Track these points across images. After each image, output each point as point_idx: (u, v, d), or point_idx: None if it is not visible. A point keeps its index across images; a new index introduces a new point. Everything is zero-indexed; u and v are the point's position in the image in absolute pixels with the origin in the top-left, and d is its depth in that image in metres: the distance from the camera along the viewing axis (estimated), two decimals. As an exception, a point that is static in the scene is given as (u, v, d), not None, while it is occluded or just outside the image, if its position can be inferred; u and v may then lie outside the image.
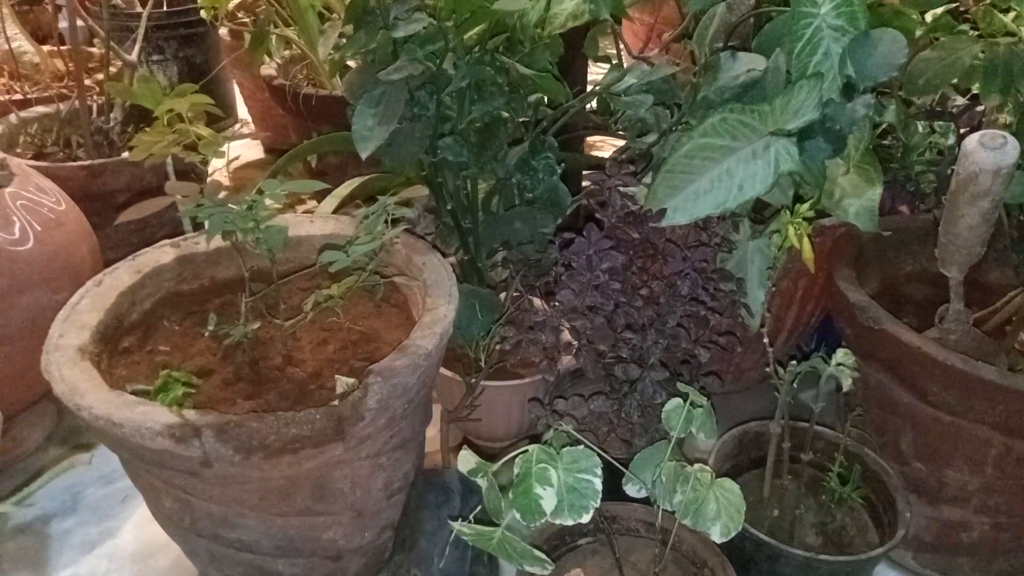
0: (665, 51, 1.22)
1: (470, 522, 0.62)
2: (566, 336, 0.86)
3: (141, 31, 1.42)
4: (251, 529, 0.76)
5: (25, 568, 0.93)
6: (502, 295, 0.99)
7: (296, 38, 1.61)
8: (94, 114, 1.39)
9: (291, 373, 0.80)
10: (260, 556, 0.78)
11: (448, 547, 0.80)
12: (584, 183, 1.34)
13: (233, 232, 0.79)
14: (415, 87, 0.84)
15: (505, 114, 0.89)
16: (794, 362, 0.75)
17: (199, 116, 1.03)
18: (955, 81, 0.85)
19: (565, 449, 0.61)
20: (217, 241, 0.85)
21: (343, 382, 0.74)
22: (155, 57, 1.81)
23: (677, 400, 0.68)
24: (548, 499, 0.60)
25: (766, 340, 0.76)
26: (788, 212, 0.73)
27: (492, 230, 0.96)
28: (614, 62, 1.01)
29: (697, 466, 0.67)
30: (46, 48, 1.64)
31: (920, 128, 0.98)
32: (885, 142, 0.99)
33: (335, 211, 1.16)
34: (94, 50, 1.65)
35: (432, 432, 0.93)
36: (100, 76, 1.47)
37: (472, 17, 0.79)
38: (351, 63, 1.14)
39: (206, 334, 0.85)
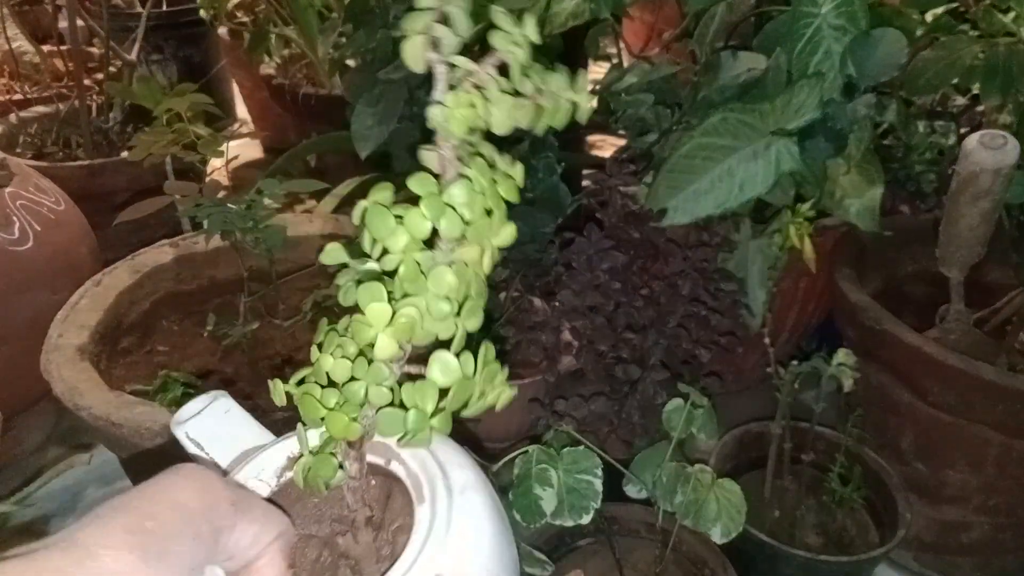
0: (666, 50, 1.21)
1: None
2: (566, 336, 0.86)
3: (141, 31, 1.42)
4: (251, 530, 0.76)
5: (24, 568, 0.93)
6: (502, 295, 0.98)
7: (296, 37, 1.61)
8: (93, 114, 1.39)
9: (290, 373, 0.80)
10: (260, 557, 0.78)
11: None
12: (584, 183, 1.34)
13: (232, 232, 0.78)
14: (415, 86, 0.83)
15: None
16: (795, 362, 0.75)
17: (198, 116, 1.03)
18: (955, 81, 0.85)
19: (565, 450, 0.61)
20: (216, 241, 0.85)
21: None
22: (154, 57, 1.81)
23: (678, 401, 0.68)
24: (548, 500, 0.60)
25: (767, 340, 0.76)
26: (789, 212, 0.73)
27: (492, 230, 0.96)
28: (614, 61, 1.01)
29: (698, 467, 0.67)
30: (46, 48, 1.64)
31: (921, 128, 0.97)
32: (886, 142, 0.99)
33: (334, 211, 1.15)
34: (94, 50, 1.65)
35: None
36: (100, 76, 1.47)
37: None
38: (351, 62, 1.14)
39: (205, 334, 0.85)
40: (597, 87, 0.92)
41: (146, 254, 0.89)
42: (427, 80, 0.29)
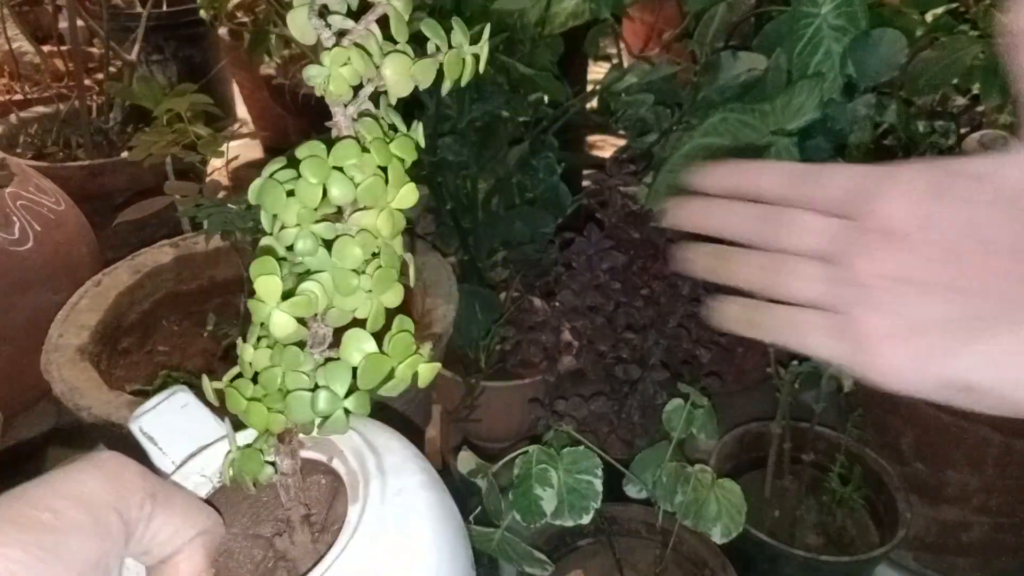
0: (666, 50, 1.22)
1: (470, 523, 0.62)
2: (566, 336, 0.86)
3: (141, 31, 1.42)
4: (251, 530, 0.76)
5: (24, 569, 0.93)
6: (502, 295, 0.98)
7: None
8: (93, 114, 1.39)
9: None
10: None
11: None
12: (584, 183, 1.34)
13: (232, 232, 0.78)
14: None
15: (505, 113, 0.89)
16: (795, 362, 0.75)
17: (198, 116, 1.02)
18: (955, 81, 0.85)
19: (565, 450, 0.61)
20: (216, 241, 0.85)
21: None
22: (154, 57, 1.81)
23: (678, 401, 0.68)
24: (548, 500, 0.60)
25: (767, 340, 0.76)
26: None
27: (492, 230, 0.96)
28: (614, 61, 1.01)
29: (698, 467, 0.67)
30: (46, 48, 1.64)
31: (921, 128, 0.97)
32: (886, 142, 0.99)
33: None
34: (94, 50, 1.65)
35: (432, 432, 0.93)
36: (100, 76, 1.47)
37: (472, 16, 0.79)
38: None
39: (205, 334, 0.85)
40: (597, 87, 0.92)
41: (146, 254, 0.89)
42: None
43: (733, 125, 0.69)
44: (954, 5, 0.87)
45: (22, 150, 1.33)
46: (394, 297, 0.29)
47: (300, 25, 0.28)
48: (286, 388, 0.29)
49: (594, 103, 1.29)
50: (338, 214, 0.29)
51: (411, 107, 0.84)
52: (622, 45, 1.04)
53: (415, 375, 0.30)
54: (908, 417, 0.84)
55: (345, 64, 0.27)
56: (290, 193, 0.28)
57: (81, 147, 1.35)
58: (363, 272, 0.28)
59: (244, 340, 0.30)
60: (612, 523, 0.80)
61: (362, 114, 0.29)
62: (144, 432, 0.39)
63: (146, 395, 0.74)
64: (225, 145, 0.99)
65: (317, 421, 0.30)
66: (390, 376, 0.29)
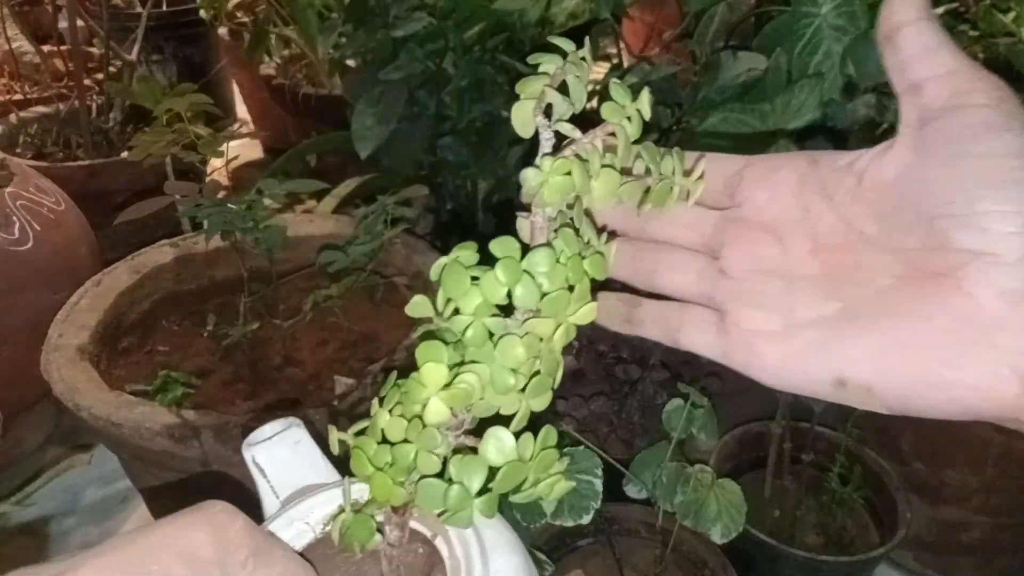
0: (666, 50, 1.21)
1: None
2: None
3: (141, 31, 1.42)
4: (251, 530, 0.76)
5: (24, 569, 0.93)
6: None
7: (296, 37, 1.61)
8: (93, 114, 1.39)
9: (290, 374, 0.80)
10: (260, 557, 0.78)
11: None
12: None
13: (232, 232, 0.78)
14: (415, 87, 0.83)
15: (505, 113, 0.89)
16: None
17: (198, 116, 1.02)
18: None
19: (565, 450, 0.61)
20: (216, 241, 0.85)
21: (342, 382, 0.74)
22: (154, 57, 1.81)
23: (678, 401, 0.68)
24: (548, 500, 0.59)
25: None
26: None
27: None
28: (614, 61, 1.01)
29: (698, 467, 0.67)
30: (46, 48, 1.64)
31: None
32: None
33: (334, 211, 1.15)
34: (94, 50, 1.65)
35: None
36: (100, 76, 1.47)
37: (472, 16, 0.79)
38: (350, 62, 1.14)
39: (205, 334, 0.85)
40: (597, 87, 0.92)
41: (146, 254, 0.89)
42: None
43: (733, 125, 0.69)
44: (954, 5, 0.87)
45: (22, 150, 1.33)
46: (543, 404, 0.29)
47: (523, 119, 0.28)
48: (417, 468, 0.29)
49: (594, 103, 1.29)
50: (508, 309, 0.29)
51: (411, 105, 0.84)
52: (622, 45, 1.04)
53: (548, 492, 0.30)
54: (908, 417, 0.84)
55: (564, 175, 0.28)
56: (474, 280, 0.28)
57: (81, 147, 1.35)
58: (520, 373, 0.28)
59: (380, 404, 0.30)
60: (612, 523, 0.80)
61: (561, 221, 0.29)
62: (256, 462, 0.39)
63: (146, 395, 0.74)
64: (225, 145, 0.99)
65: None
66: (522, 486, 0.29)
